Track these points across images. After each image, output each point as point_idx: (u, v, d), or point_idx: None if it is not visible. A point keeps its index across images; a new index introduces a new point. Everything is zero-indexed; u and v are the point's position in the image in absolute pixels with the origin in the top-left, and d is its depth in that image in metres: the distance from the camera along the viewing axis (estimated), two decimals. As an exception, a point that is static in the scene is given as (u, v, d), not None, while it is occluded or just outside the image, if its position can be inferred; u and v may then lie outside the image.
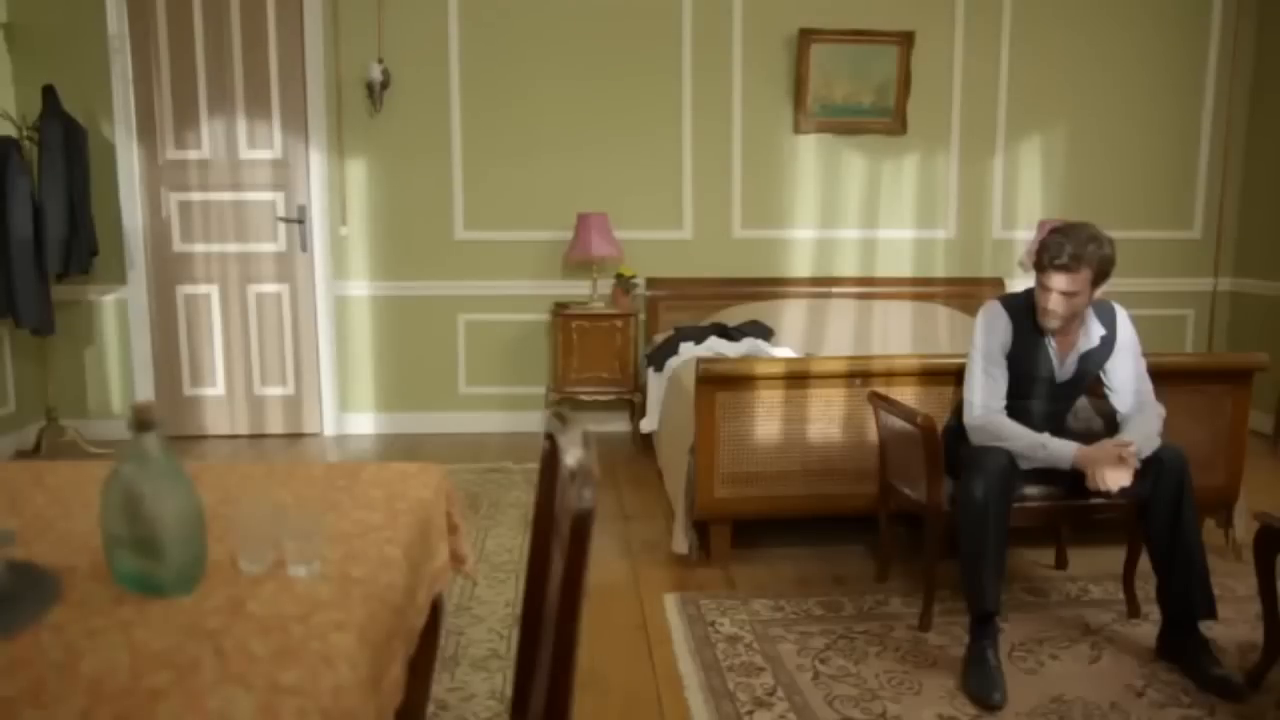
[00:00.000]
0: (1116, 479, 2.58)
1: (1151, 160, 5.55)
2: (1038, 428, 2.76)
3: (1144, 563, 2.79)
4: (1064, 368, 2.79)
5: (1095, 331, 2.79)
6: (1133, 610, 2.92)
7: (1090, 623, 2.90)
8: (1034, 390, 2.82)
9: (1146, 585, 2.98)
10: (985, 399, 2.79)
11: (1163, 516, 2.62)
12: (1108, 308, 2.83)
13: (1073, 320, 2.72)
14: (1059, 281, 2.62)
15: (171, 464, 1.26)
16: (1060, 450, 2.68)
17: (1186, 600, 2.61)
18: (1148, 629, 2.82)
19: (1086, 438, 2.78)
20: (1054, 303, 2.65)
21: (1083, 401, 2.96)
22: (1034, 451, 2.70)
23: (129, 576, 1.25)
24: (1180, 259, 5.67)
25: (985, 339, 2.81)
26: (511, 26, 5.09)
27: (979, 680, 2.48)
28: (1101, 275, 2.64)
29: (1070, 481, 2.75)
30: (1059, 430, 2.81)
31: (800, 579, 3.26)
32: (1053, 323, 2.69)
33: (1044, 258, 2.63)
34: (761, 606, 3.02)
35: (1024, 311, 2.78)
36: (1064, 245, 2.58)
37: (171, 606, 1.21)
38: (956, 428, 2.90)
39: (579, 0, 5.10)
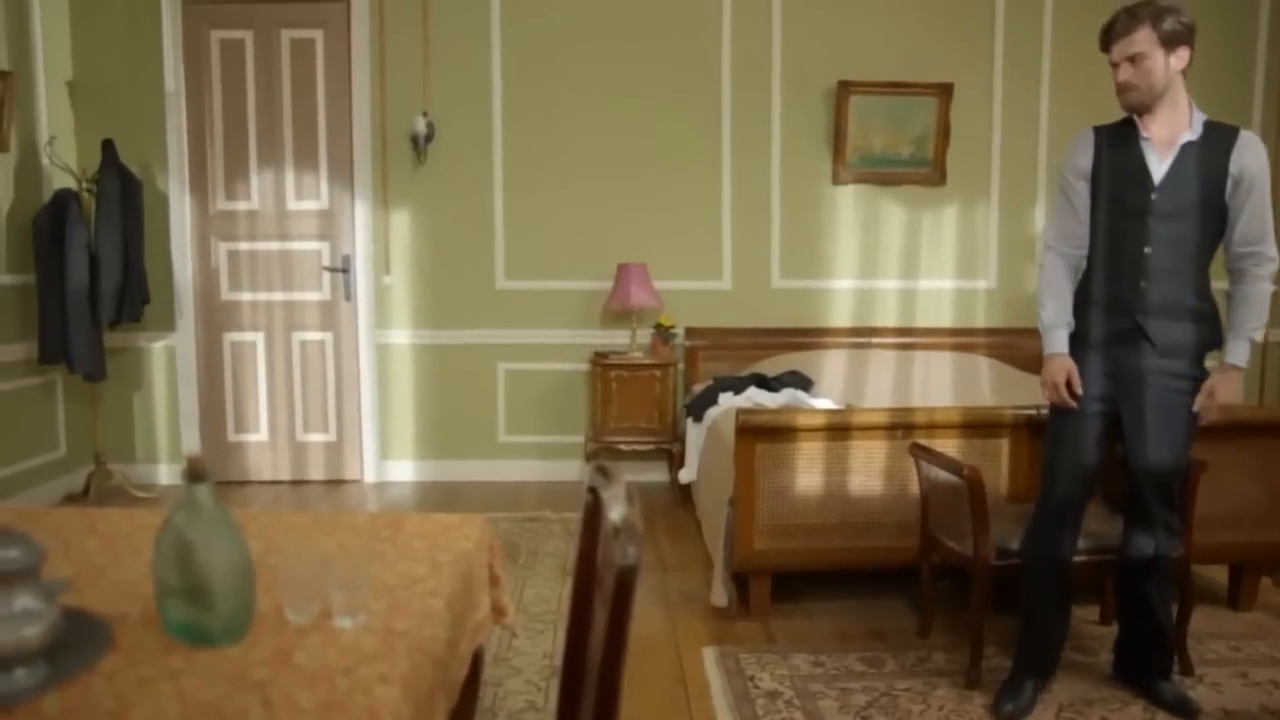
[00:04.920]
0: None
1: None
2: (1134, 253, 2.51)
3: (1197, 620, 2.72)
4: (1162, 165, 2.48)
5: (1198, 119, 2.48)
6: (1186, 668, 2.83)
7: (1142, 683, 2.82)
8: (1129, 202, 2.51)
9: (1200, 645, 2.90)
10: (1052, 233, 2.69)
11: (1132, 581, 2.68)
12: (1229, 128, 2.50)
13: (1159, 99, 2.45)
14: (1120, 49, 2.45)
15: (222, 514, 1.28)
16: (1048, 343, 2.63)
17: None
18: (1203, 691, 2.73)
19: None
20: (1124, 74, 2.45)
21: None
22: (1040, 322, 2.66)
23: (179, 625, 1.26)
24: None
25: (1062, 163, 2.66)
26: (553, 79, 5.19)
27: (1003, 694, 2.59)
28: (1173, 37, 2.40)
29: (1117, 536, 2.72)
30: (1157, 259, 2.49)
31: (840, 633, 3.22)
32: (1132, 97, 2.47)
33: (1102, 38, 2.50)
34: (801, 661, 2.97)
35: (1115, 126, 2.59)
36: (1118, 14, 2.45)
37: (219, 656, 1.22)
38: None
39: (619, 53, 5.20)
